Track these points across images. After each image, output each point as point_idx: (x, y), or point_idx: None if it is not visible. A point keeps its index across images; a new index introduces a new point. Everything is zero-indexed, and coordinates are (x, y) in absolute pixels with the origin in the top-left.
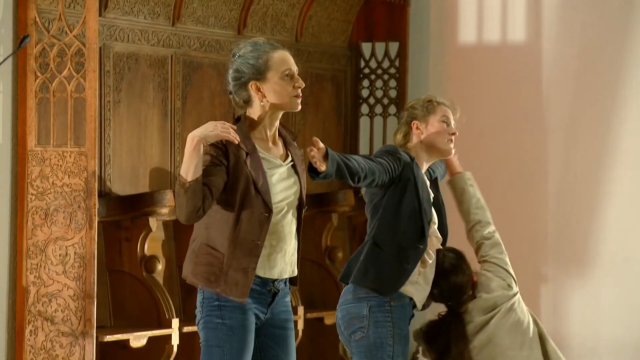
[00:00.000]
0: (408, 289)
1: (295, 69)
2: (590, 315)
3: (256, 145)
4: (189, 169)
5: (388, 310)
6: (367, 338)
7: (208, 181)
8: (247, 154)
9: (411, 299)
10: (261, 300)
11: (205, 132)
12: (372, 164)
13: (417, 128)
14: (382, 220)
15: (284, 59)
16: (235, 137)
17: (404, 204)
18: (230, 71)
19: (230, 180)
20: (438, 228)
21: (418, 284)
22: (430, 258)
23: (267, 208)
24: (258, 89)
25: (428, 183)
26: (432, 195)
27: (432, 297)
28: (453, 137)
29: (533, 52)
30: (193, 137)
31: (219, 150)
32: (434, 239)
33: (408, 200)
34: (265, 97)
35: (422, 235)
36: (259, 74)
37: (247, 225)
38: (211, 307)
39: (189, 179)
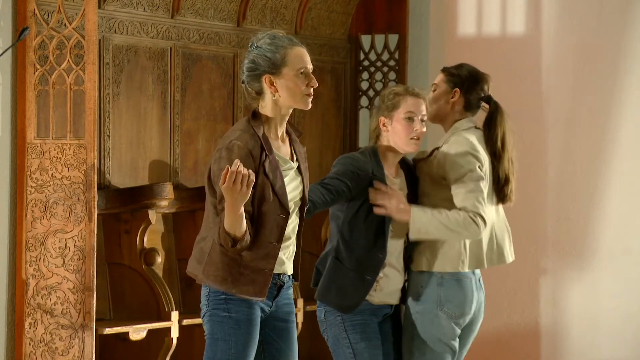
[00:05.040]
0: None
1: (310, 67)
2: (590, 307)
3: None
4: (236, 227)
5: (339, 313)
6: (329, 340)
7: (248, 210)
8: (266, 155)
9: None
10: (268, 293)
11: (237, 196)
12: (324, 195)
13: (384, 125)
14: (342, 232)
15: (301, 57)
16: (250, 173)
17: (360, 216)
18: (246, 61)
19: None
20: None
21: (376, 296)
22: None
23: (284, 210)
24: (272, 83)
25: (398, 182)
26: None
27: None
28: (417, 135)
29: (533, 44)
30: (234, 209)
31: (248, 168)
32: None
33: (366, 212)
34: (277, 91)
35: (381, 245)
36: (275, 68)
37: (265, 227)
38: (218, 300)
39: (239, 235)
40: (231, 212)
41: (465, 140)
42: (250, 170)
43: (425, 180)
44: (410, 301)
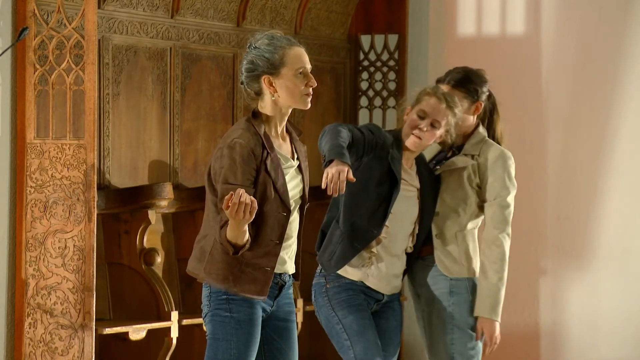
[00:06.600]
0: (357, 273)
1: (309, 67)
2: (590, 307)
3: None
4: (238, 238)
5: (325, 293)
6: (322, 322)
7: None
8: (267, 153)
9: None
10: (269, 293)
11: (239, 221)
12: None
13: (407, 114)
14: (348, 194)
15: (300, 57)
16: (253, 200)
17: (371, 184)
18: (245, 62)
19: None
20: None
21: (372, 277)
22: (377, 243)
23: (285, 207)
24: (270, 84)
25: (412, 174)
26: (413, 184)
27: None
28: (417, 134)
29: (532, 44)
30: (238, 228)
31: (250, 169)
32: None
33: (376, 182)
34: (276, 92)
35: (379, 219)
36: (273, 68)
37: (266, 225)
38: (219, 300)
39: (240, 244)
40: (234, 230)
41: (508, 156)
42: (253, 197)
43: (458, 183)
44: (440, 295)
